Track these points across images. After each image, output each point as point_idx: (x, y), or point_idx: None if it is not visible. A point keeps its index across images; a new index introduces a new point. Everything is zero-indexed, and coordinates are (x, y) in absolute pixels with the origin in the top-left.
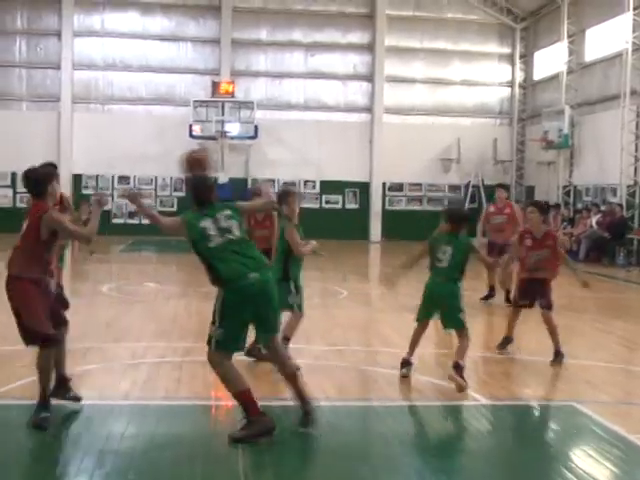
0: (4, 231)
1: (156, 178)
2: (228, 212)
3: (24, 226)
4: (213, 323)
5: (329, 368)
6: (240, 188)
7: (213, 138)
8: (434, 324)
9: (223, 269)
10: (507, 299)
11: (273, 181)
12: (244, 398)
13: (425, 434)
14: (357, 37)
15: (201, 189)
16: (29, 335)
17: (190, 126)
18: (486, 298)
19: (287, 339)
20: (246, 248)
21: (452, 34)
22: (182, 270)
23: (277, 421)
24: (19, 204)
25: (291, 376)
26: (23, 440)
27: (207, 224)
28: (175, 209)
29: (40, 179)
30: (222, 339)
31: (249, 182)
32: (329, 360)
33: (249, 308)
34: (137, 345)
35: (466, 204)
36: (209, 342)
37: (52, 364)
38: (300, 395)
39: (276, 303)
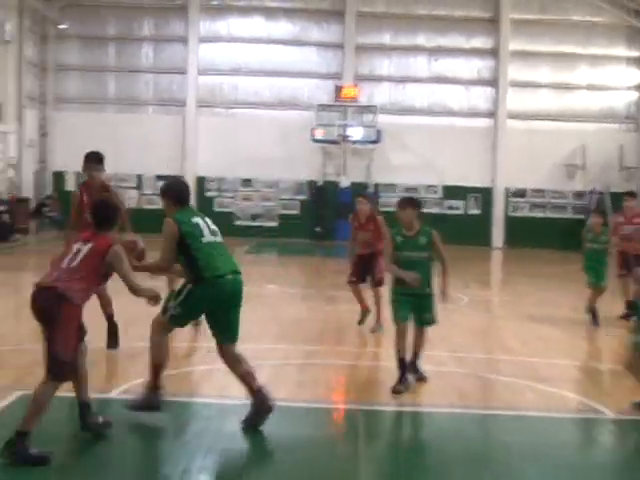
0: (132, 230)
1: (278, 181)
2: (209, 219)
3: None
4: (175, 299)
5: (450, 375)
6: (361, 192)
7: (335, 142)
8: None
9: (208, 264)
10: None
11: (395, 186)
12: (156, 371)
13: (547, 445)
14: (481, 41)
15: (186, 192)
16: (56, 365)
17: (313, 130)
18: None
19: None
20: (228, 253)
21: (578, 37)
22: (304, 273)
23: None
24: (144, 205)
25: (243, 376)
26: (146, 438)
27: (199, 221)
28: (298, 212)
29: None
30: (178, 317)
31: (371, 186)
32: (449, 366)
33: (218, 305)
34: (259, 347)
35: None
36: (164, 312)
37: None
38: (254, 393)
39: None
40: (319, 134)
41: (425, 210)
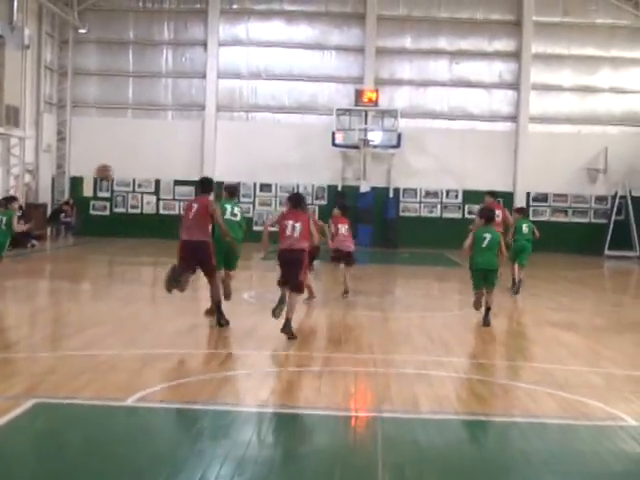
0: (149, 236)
1: (298, 186)
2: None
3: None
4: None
5: (470, 381)
6: (382, 197)
7: (355, 147)
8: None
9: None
10: None
11: (415, 191)
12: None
13: (568, 453)
14: (503, 44)
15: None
16: (212, 268)
17: (333, 134)
18: None
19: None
20: (235, 227)
21: (601, 40)
22: (323, 279)
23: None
24: (162, 211)
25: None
26: (161, 445)
27: (228, 207)
28: (316, 217)
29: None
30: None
31: (391, 191)
32: (469, 373)
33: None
34: (277, 354)
35: (612, 216)
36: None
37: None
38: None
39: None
40: (339, 138)
41: (445, 215)
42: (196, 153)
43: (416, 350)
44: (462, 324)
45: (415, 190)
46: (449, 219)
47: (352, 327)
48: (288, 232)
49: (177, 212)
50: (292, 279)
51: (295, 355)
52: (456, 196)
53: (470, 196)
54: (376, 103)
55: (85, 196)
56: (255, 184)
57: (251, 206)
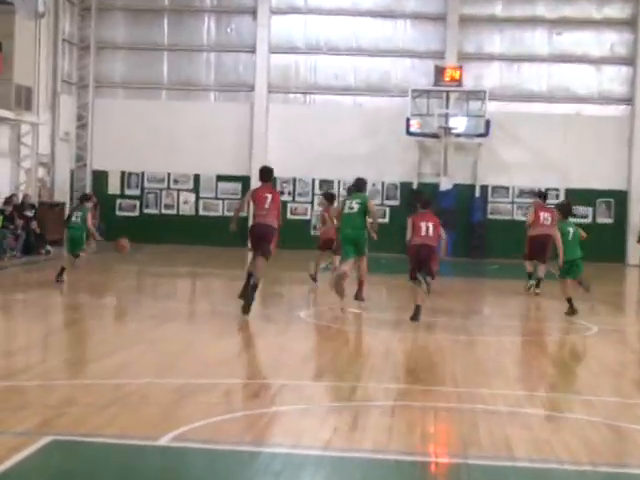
0: (187, 242)
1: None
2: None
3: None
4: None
5: (575, 422)
6: (466, 196)
7: (435, 135)
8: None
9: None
10: None
11: (507, 189)
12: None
13: None
14: (616, 10)
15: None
16: (269, 254)
17: (407, 120)
18: None
19: None
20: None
21: None
22: (395, 295)
23: None
24: (202, 212)
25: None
26: None
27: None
28: (387, 221)
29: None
30: None
31: (477, 190)
32: (574, 412)
33: None
34: (339, 385)
35: None
36: None
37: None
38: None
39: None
40: (415, 126)
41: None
42: (244, 143)
43: (508, 382)
44: (565, 351)
45: (507, 188)
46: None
47: (431, 353)
48: (423, 232)
49: (220, 213)
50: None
51: (362, 386)
52: (557, 196)
53: (574, 196)
54: (460, 83)
55: (110, 194)
56: (314, 180)
57: (309, 206)
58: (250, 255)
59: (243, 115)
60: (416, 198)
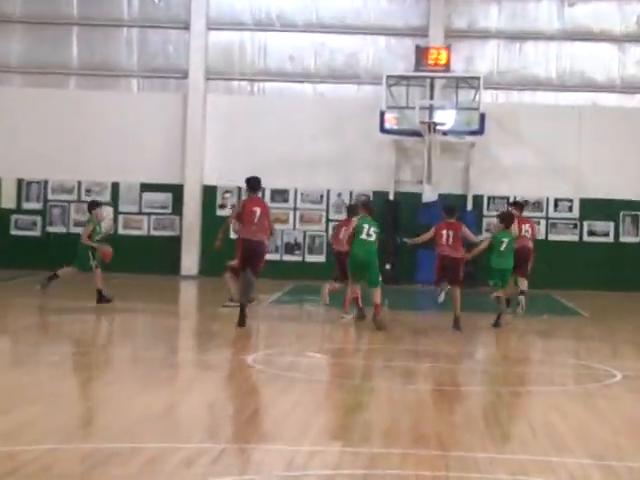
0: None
1: (328, 193)
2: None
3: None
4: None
5: None
6: (456, 207)
7: (416, 134)
8: None
9: None
10: None
11: (506, 200)
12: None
13: None
14: None
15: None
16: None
17: (382, 114)
18: None
19: None
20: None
21: None
22: (363, 334)
23: None
24: (122, 230)
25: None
26: None
27: (366, 226)
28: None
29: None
30: None
31: (469, 201)
32: None
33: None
34: (296, 448)
35: None
36: None
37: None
38: None
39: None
40: (391, 121)
41: (553, 237)
42: (175, 143)
43: (509, 445)
44: (580, 404)
45: (506, 199)
46: (559, 243)
47: (411, 408)
48: (444, 240)
49: (145, 232)
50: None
51: (324, 451)
52: (570, 208)
53: (591, 208)
54: (447, 67)
55: (3, 207)
56: (264, 190)
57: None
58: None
59: (174, 108)
60: (443, 208)
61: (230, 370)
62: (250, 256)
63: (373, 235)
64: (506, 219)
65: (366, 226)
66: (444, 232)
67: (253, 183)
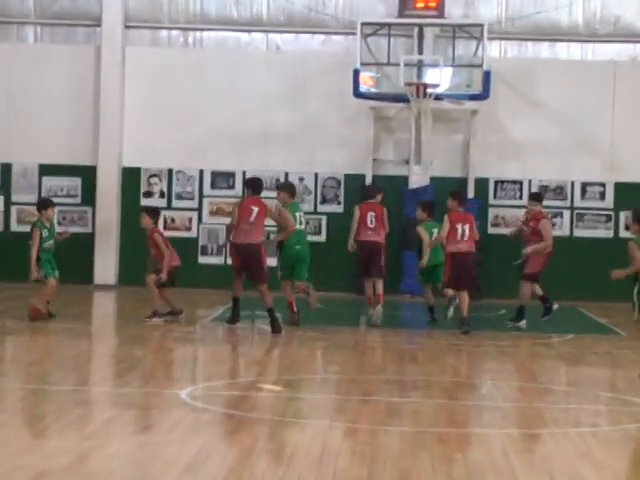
0: None
1: (287, 176)
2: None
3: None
4: None
5: None
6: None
7: (402, 99)
8: None
9: None
10: None
11: (519, 185)
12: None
13: None
14: None
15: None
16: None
17: (356, 74)
18: None
19: None
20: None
21: None
22: (337, 361)
23: None
24: (15, 226)
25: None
26: None
27: (297, 214)
28: (324, 240)
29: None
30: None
31: (471, 186)
32: None
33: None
34: None
35: None
36: None
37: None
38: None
39: None
40: (368, 82)
41: (579, 233)
42: (85, 112)
43: None
44: (615, 450)
45: (519, 183)
46: (588, 240)
47: (395, 456)
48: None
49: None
50: None
51: None
52: (602, 195)
53: (628, 195)
54: (441, 12)
55: None
56: (202, 173)
57: (195, 216)
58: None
59: (83, 66)
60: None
61: (159, 408)
62: (245, 262)
63: (303, 222)
64: (427, 208)
65: (298, 214)
66: (459, 226)
67: (254, 185)
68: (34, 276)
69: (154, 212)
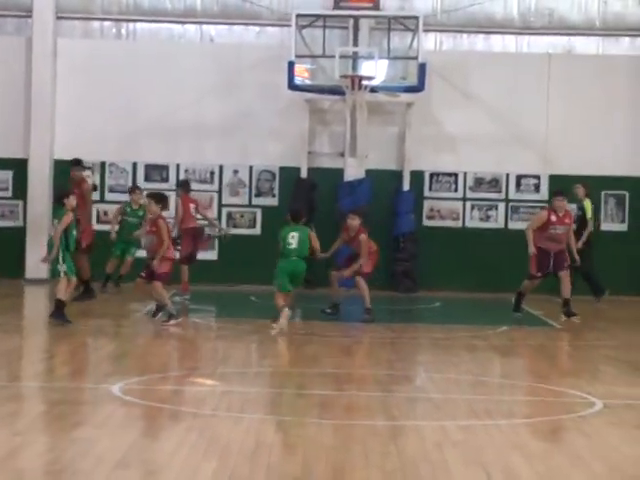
0: None
1: (221, 169)
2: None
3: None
4: None
5: None
6: (388, 190)
7: (337, 91)
8: None
9: None
10: None
11: (454, 177)
12: None
13: None
14: None
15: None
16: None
17: (290, 66)
18: None
19: None
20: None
21: None
22: (267, 353)
23: None
24: None
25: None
26: None
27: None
28: (259, 232)
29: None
30: None
31: (406, 179)
32: None
33: None
34: None
35: None
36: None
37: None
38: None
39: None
40: (302, 74)
41: (514, 225)
42: (15, 103)
43: None
44: (548, 441)
45: (454, 176)
46: (522, 232)
47: (328, 449)
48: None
49: None
50: None
51: None
52: (536, 187)
53: (563, 186)
54: (376, 4)
55: None
56: (135, 166)
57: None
58: None
59: (13, 57)
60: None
61: (90, 404)
62: None
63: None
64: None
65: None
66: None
67: (295, 214)
68: None
69: (161, 198)
